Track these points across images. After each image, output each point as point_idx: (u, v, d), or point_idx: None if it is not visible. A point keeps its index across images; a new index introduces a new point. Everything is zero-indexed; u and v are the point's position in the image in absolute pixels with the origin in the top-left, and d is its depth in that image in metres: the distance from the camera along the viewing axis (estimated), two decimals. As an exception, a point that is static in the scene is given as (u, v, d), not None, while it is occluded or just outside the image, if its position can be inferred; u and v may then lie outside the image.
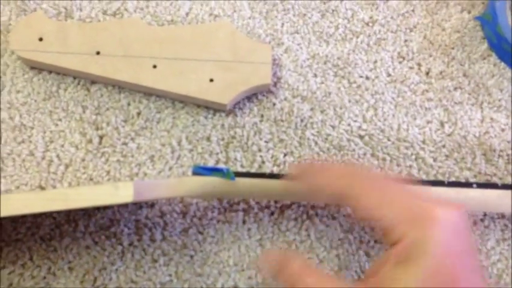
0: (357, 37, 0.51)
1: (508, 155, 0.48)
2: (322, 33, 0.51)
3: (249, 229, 0.44)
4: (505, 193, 0.41)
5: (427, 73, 0.50)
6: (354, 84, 0.49)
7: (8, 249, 0.42)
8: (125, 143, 0.46)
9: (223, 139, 0.47)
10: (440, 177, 0.47)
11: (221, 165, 0.46)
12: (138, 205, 0.44)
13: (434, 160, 0.47)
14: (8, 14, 0.48)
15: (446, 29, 0.52)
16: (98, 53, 0.46)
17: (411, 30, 0.51)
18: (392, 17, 0.52)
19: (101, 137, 0.46)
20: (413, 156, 0.47)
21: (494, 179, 0.47)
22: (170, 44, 0.47)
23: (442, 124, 0.48)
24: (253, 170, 0.46)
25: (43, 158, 0.45)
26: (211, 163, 0.46)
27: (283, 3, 0.51)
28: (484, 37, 0.52)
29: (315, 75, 0.49)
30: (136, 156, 0.45)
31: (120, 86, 0.47)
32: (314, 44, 0.50)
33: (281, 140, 0.47)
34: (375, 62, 0.50)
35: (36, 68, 0.47)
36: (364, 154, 0.47)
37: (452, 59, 0.51)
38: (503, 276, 0.45)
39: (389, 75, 0.50)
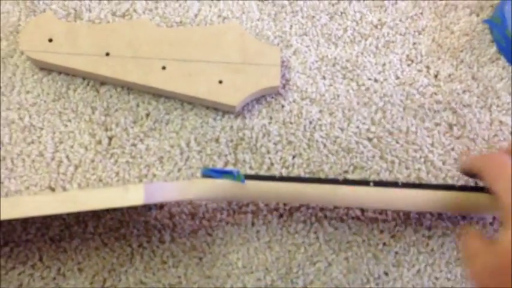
0: (366, 39, 0.51)
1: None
2: (331, 35, 0.51)
3: (257, 231, 0.44)
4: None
5: (436, 76, 0.50)
6: (362, 87, 0.49)
7: (18, 249, 0.43)
8: (134, 144, 0.46)
9: (232, 141, 0.47)
10: (449, 181, 0.47)
11: (230, 167, 0.46)
12: (147, 207, 0.44)
13: (443, 163, 0.47)
14: (17, 14, 0.48)
15: (455, 31, 0.52)
16: (107, 54, 0.46)
17: (420, 33, 0.51)
18: (400, 20, 0.52)
19: (110, 138, 0.46)
20: (422, 159, 0.47)
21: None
22: (179, 46, 0.47)
23: (450, 127, 0.48)
24: (261, 172, 0.46)
25: (52, 159, 0.45)
26: (219, 165, 0.46)
27: (292, 5, 0.51)
28: (493, 40, 0.52)
29: (324, 78, 0.49)
30: (145, 157, 0.45)
31: (129, 87, 0.47)
32: (323, 46, 0.50)
33: (290, 142, 0.47)
34: (384, 64, 0.50)
35: (46, 69, 0.47)
36: (373, 157, 0.47)
37: (461, 62, 0.51)
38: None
39: (397, 77, 0.50)
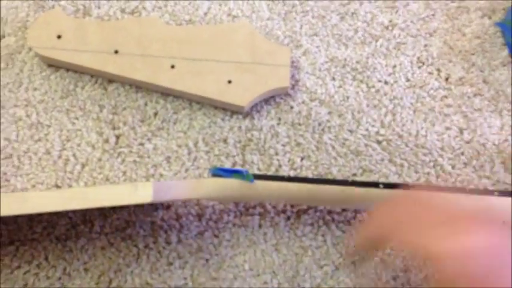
0: (376, 41, 0.50)
1: (526, 163, 0.47)
2: (341, 36, 0.50)
3: (265, 233, 0.44)
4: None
5: (447, 79, 0.50)
6: (372, 89, 0.49)
7: (24, 248, 0.42)
8: (141, 144, 0.45)
9: (240, 141, 0.46)
10: (458, 185, 0.46)
11: (238, 168, 0.45)
12: (153, 207, 0.44)
13: (453, 167, 0.47)
14: (26, 10, 0.48)
15: (466, 34, 0.51)
16: (116, 51, 0.46)
17: (431, 35, 0.51)
18: (412, 21, 0.51)
19: (117, 137, 0.45)
20: (432, 163, 0.47)
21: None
22: (188, 44, 0.47)
23: (461, 131, 0.48)
24: (269, 174, 0.45)
25: (59, 157, 0.44)
26: (227, 165, 0.45)
27: (302, 4, 0.51)
28: (505, 43, 0.51)
29: (333, 79, 0.49)
30: (152, 157, 0.45)
31: (137, 86, 0.47)
32: (333, 47, 0.50)
33: (298, 144, 0.47)
34: (394, 66, 0.50)
35: (54, 65, 0.47)
36: (382, 160, 0.47)
37: (472, 65, 0.50)
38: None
39: (408, 80, 0.49)
